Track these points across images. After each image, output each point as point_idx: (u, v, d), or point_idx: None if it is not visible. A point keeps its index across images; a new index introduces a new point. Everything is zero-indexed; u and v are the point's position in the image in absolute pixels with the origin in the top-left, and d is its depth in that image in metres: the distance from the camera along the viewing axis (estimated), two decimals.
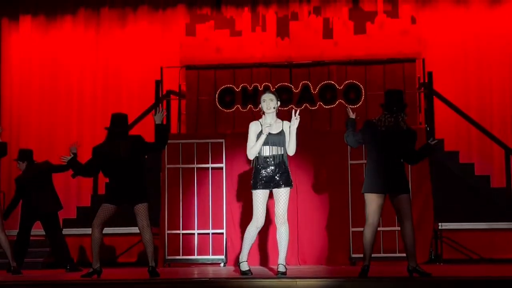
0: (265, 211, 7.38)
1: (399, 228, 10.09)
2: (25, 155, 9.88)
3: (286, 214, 7.36)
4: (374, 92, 11.32)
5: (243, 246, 7.52)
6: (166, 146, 8.90)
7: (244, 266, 7.46)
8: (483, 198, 10.97)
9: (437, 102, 11.64)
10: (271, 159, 7.36)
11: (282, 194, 7.34)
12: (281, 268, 7.33)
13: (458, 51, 12.96)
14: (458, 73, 12.90)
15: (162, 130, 7.86)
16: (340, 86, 11.16)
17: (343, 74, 11.84)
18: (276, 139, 7.36)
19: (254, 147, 7.40)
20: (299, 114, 7.37)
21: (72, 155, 8.09)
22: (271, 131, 7.38)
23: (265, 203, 7.38)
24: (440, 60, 12.72)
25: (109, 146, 7.76)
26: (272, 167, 7.34)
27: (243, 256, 7.49)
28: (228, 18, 12.54)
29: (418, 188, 10.46)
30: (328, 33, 12.04)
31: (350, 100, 11.05)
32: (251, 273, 7.43)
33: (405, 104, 7.18)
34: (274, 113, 7.44)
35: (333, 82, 11.26)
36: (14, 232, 10.40)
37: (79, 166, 8.03)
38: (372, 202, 7.02)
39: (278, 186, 7.34)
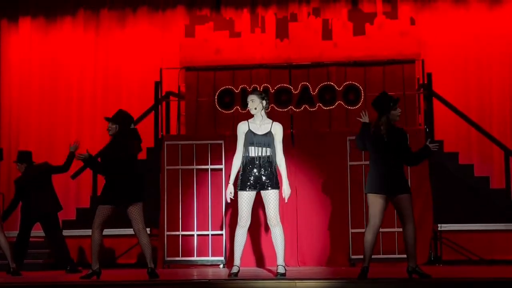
0: (249, 212, 7.42)
1: (398, 229, 10.14)
2: (24, 156, 9.88)
3: (278, 216, 7.40)
4: (374, 93, 11.25)
5: (234, 250, 7.53)
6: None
7: (233, 269, 7.47)
8: (482, 199, 10.97)
9: (436, 103, 11.64)
10: (257, 160, 7.39)
11: (271, 197, 7.39)
12: (281, 270, 7.36)
13: (458, 52, 12.95)
14: (457, 74, 12.89)
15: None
16: (340, 87, 11.15)
17: (343, 75, 11.84)
18: (262, 139, 7.41)
19: (235, 172, 7.59)
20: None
21: (89, 154, 7.93)
22: (257, 132, 7.43)
23: (251, 204, 7.43)
24: (440, 61, 12.71)
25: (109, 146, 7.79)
26: (258, 168, 7.38)
27: (235, 261, 7.52)
28: (227, 19, 12.53)
29: (417, 189, 10.46)
30: (327, 34, 12.03)
31: (350, 101, 11.04)
32: (235, 276, 7.38)
33: (389, 105, 7.13)
34: (260, 113, 7.52)
35: (332, 83, 11.25)
36: (14, 233, 10.40)
37: (96, 163, 7.97)
38: (375, 203, 7.03)
39: (264, 188, 7.40)
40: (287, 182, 7.52)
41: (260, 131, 7.46)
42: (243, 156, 7.47)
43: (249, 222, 7.45)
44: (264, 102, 7.55)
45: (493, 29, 12.91)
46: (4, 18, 14.00)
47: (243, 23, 12.33)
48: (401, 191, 7.04)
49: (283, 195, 7.50)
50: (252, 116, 7.61)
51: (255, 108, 7.49)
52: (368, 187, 7.11)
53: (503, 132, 12.60)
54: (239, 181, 7.47)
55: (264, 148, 7.41)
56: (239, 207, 7.43)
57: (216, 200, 10.78)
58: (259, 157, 7.39)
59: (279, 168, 7.54)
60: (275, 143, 7.51)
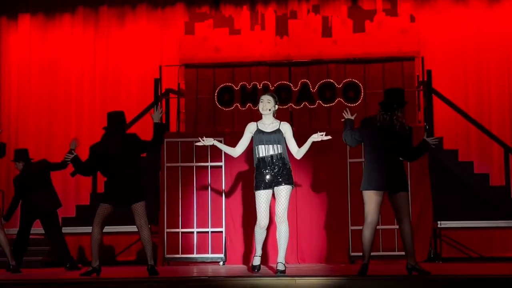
0: (268, 211, 7.45)
1: (397, 227, 10.13)
2: (21, 154, 9.86)
3: (286, 213, 7.42)
4: (373, 90, 11.32)
5: (255, 244, 7.74)
6: (161, 145, 8.87)
7: (254, 261, 7.70)
8: (482, 197, 10.97)
9: (436, 100, 11.64)
10: (269, 158, 7.43)
11: (282, 192, 7.41)
12: (280, 267, 7.38)
13: (457, 49, 12.95)
14: (457, 71, 12.89)
15: (160, 129, 7.87)
16: (339, 85, 11.16)
17: (342, 73, 11.85)
18: (271, 137, 7.46)
19: (224, 148, 7.81)
20: (324, 135, 7.53)
21: (75, 155, 8.03)
22: (265, 130, 7.49)
23: (268, 203, 7.46)
24: (439, 58, 12.71)
25: (104, 145, 7.77)
26: (272, 166, 7.42)
27: (256, 251, 7.72)
28: (227, 16, 12.53)
29: (417, 186, 10.47)
30: (327, 31, 12.04)
31: (349, 98, 11.04)
32: (257, 270, 7.61)
33: (404, 102, 7.17)
34: (271, 115, 7.56)
35: (332, 81, 11.26)
36: (14, 230, 10.40)
37: (81, 164, 8.02)
38: (371, 200, 7.01)
39: (279, 184, 7.42)
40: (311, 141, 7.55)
41: (268, 129, 7.52)
42: (255, 157, 7.52)
43: (267, 222, 7.49)
44: (276, 105, 7.62)
45: (493, 27, 12.91)
46: (4, 15, 14.00)
47: (242, 21, 12.33)
48: (401, 188, 7.03)
49: (318, 135, 7.52)
50: (260, 117, 7.66)
51: (269, 110, 7.53)
52: (365, 185, 7.08)
53: (503, 129, 12.61)
54: (255, 181, 7.51)
55: (274, 145, 7.45)
56: (257, 207, 7.46)
57: (216, 197, 10.78)
58: (271, 155, 7.44)
59: (300, 149, 7.58)
60: (287, 140, 7.57)
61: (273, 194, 7.54)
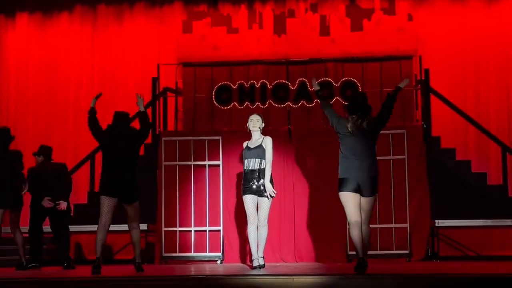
0: (255, 211, 8.50)
1: (396, 225, 10.19)
2: (44, 151, 9.98)
3: (267, 219, 8.50)
4: (371, 89, 11.32)
5: (250, 246, 8.55)
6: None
7: (254, 263, 8.45)
8: (479, 195, 10.99)
9: (433, 99, 11.64)
10: (252, 171, 8.48)
11: (264, 203, 8.47)
12: (260, 261, 8.40)
13: (455, 48, 12.95)
14: (455, 70, 12.89)
15: (145, 116, 8.42)
16: (337, 83, 11.15)
17: (340, 71, 11.85)
18: (253, 152, 8.51)
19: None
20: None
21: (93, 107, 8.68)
22: (251, 146, 8.56)
23: (255, 204, 8.52)
24: (437, 57, 12.71)
25: (112, 135, 7.92)
26: (257, 178, 8.46)
27: (253, 254, 8.50)
28: (224, 15, 12.52)
29: (414, 185, 10.49)
30: (325, 30, 12.04)
31: (347, 97, 11.03)
32: (259, 268, 8.33)
33: (368, 108, 7.24)
34: (259, 131, 8.64)
35: (330, 79, 11.26)
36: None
37: (94, 115, 8.76)
38: (348, 200, 7.08)
39: (260, 195, 8.47)
40: (268, 179, 8.45)
41: (253, 145, 8.57)
42: (244, 168, 8.59)
43: (256, 219, 8.49)
44: (263, 124, 8.71)
45: (491, 26, 12.91)
46: (2, 13, 13.98)
47: (240, 19, 12.33)
48: (368, 193, 7.10)
49: (267, 190, 8.43)
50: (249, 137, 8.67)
51: (259, 127, 8.63)
52: (340, 186, 7.16)
53: (501, 128, 12.61)
54: (242, 188, 8.57)
55: (255, 159, 8.49)
56: (246, 209, 8.52)
57: (214, 196, 10.78)
58: (253, 169, 8.47)
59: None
60: (266, 151, 8.52)
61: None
